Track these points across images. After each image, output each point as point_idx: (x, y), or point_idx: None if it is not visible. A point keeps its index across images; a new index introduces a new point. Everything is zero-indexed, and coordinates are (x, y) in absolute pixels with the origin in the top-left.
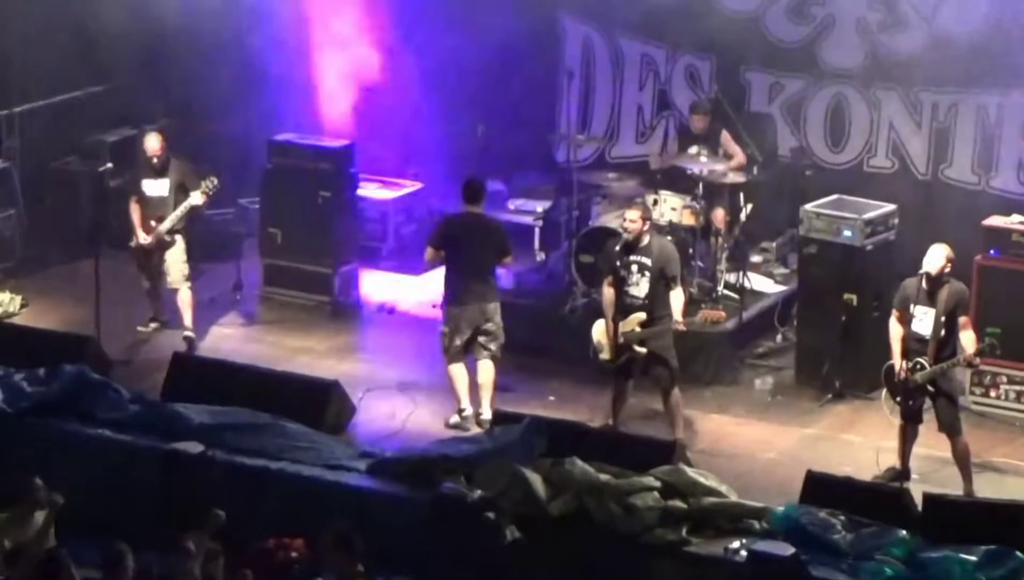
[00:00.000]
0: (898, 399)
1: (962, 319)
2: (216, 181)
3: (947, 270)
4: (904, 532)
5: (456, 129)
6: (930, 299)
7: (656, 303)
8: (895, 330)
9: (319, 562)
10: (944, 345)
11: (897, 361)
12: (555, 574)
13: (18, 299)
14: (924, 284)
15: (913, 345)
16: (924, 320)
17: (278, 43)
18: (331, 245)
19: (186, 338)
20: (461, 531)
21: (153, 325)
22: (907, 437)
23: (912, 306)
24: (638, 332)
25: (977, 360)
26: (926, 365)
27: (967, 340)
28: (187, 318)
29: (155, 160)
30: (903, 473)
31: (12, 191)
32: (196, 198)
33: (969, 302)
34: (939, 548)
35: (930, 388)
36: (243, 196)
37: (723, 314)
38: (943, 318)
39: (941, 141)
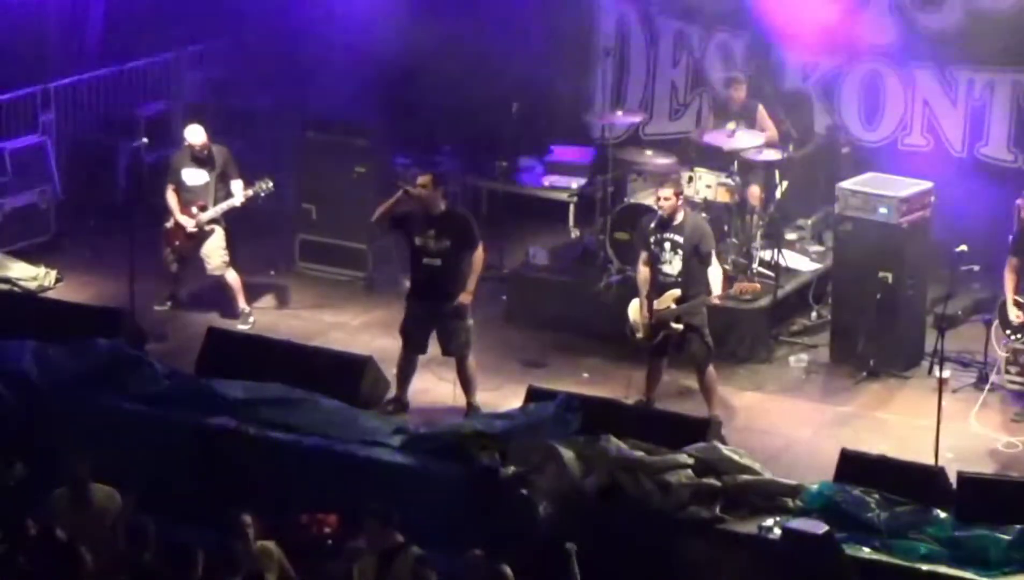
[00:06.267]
0: (1008, 332)
1: None
2: (271, 184)
3: None
4: (939, 511)
5: (491, 106)
6: None
7: (690, 280)
8: (1008, 278)
9: (354, 539)
10: None
11: (1011, 306)
12: (588, 550)
13: (53, 273)
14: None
15: None
16: None
17: (314, 17)
18: (366, 220)
19: (243, 316)
20: (495, 507)
21: (169, 303)
22: None
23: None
24: (673, 309)
25: None
26: None
27: None
28: (240, 300)
29: (199, 151)
30: None
31: (48, 166)
32: (238, 199)
33: None
34: (974, 527)
35: None
36: (278, 171)
37: (758, 286)
38: None
39: (977, 119)
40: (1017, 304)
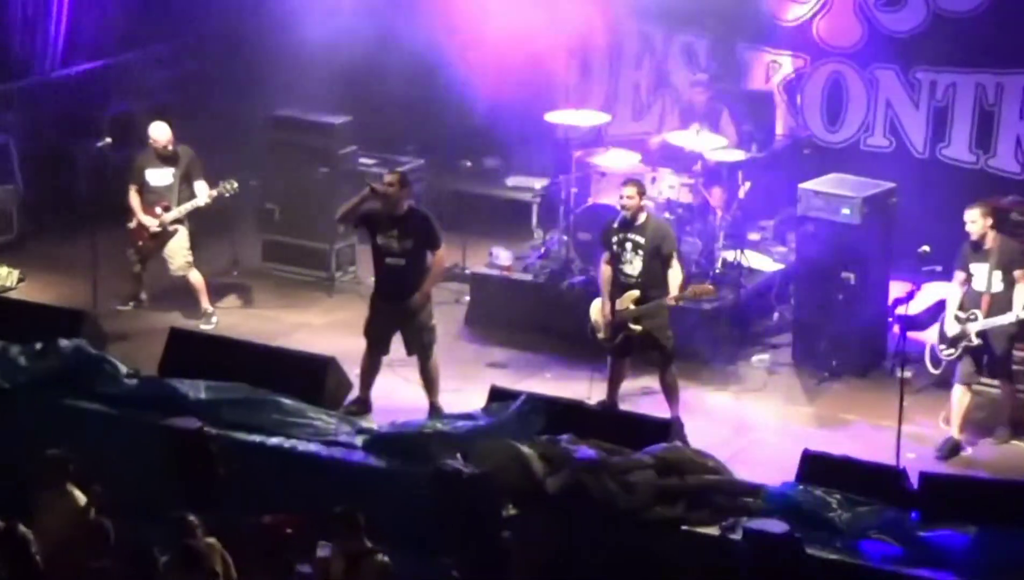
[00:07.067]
0: (941, 348)
1: (1017, 273)
2: (235, 185)
3: (989, 226)
4: (901, 511)
5: (455, 106)
6: (983, 255)
7: (650, 281)
8: (952, 290)
9: (319, 540)
10: (998, 298)
11: (950, 317)
12: (552, 551)
13: (15, 273)
14: (970, 245)
15: (974, 296)
16: (979, 276)
17: (278, 18)
18: (329, 221)
19: (205, 317)
20: (458, 507)
21: (131, 304)
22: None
23: (970, 265)
24: (632, 310)
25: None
26: (979, 316)
27: (1018, 296)
28: (203, 301)
29: (164, 149)
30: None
31: (10, 166)
32: (203, 199)
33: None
34: (936, 527)
35: (974, 339)
36: (242, 171)
37: (711, 288)
38: (998, 272)
39: (939, 120)
40: (957, 318)
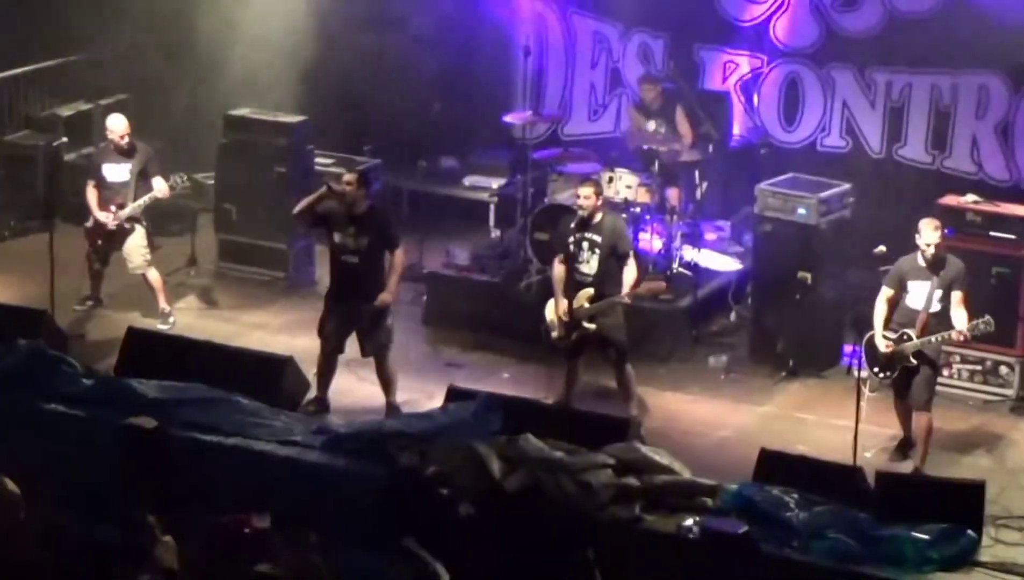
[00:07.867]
0: (876, 370)
1: (958, 294)
2: (186, 178)
3: (937, 242)
4: (857, 510)
5: (412, 106)
6: (927, 273)
7: (606, 281)
8: (880, 308)
9: (274, 540)
10: (936, 317)
11: (879, 336)
12: (509, 550)
13: None
14: (921, 260)
15: (907, 313)
16: (917, 293)
17: (233, 17)
18: (286, 220)
19: (163, 316)
20: (415, 507)
21: (89, 303)
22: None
23: (908, 282)
24: (586, 308)
25: (966, 336)
26: (913, 336)
27: (958, 316)
28: (161, 299)
29: (121, 142)
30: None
31: None
32: (160, 192)
33: (966, 277)
34: (891, 526)
35: (912, 360)
36: (198, 171)
37: (663, 285)
38: (939, 291)
39: (895, 120)
40: (886, 337)
